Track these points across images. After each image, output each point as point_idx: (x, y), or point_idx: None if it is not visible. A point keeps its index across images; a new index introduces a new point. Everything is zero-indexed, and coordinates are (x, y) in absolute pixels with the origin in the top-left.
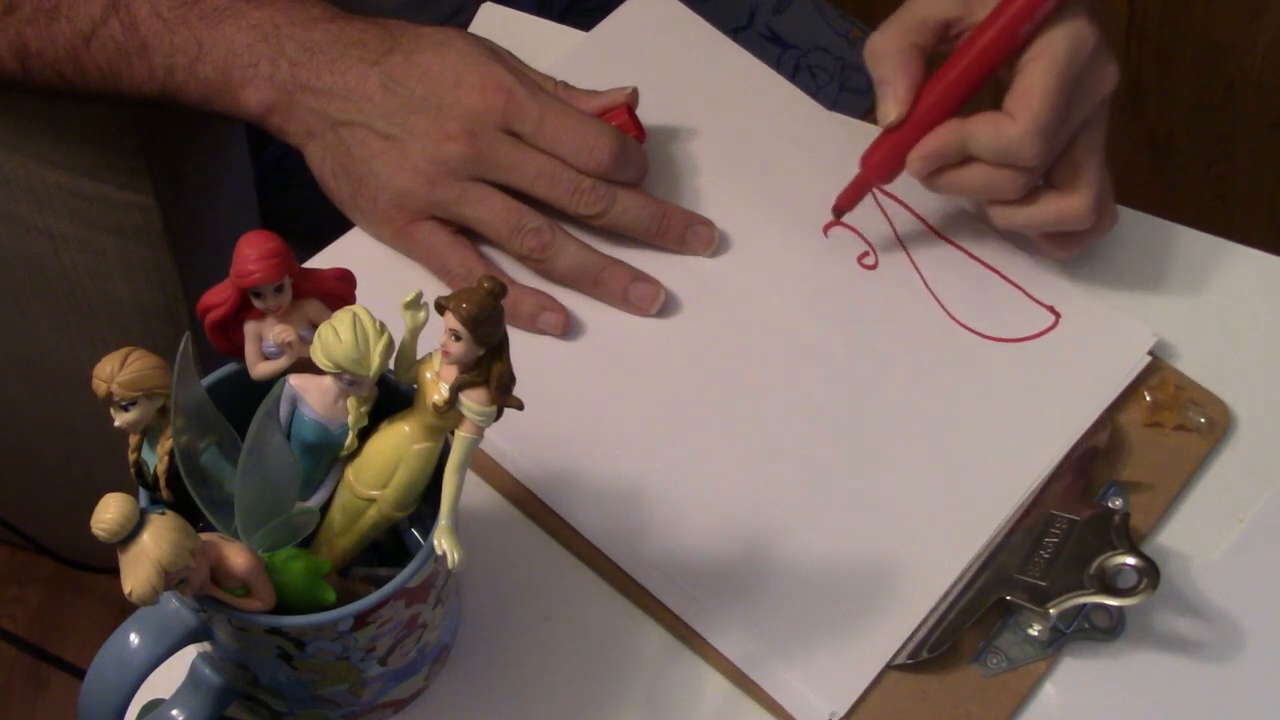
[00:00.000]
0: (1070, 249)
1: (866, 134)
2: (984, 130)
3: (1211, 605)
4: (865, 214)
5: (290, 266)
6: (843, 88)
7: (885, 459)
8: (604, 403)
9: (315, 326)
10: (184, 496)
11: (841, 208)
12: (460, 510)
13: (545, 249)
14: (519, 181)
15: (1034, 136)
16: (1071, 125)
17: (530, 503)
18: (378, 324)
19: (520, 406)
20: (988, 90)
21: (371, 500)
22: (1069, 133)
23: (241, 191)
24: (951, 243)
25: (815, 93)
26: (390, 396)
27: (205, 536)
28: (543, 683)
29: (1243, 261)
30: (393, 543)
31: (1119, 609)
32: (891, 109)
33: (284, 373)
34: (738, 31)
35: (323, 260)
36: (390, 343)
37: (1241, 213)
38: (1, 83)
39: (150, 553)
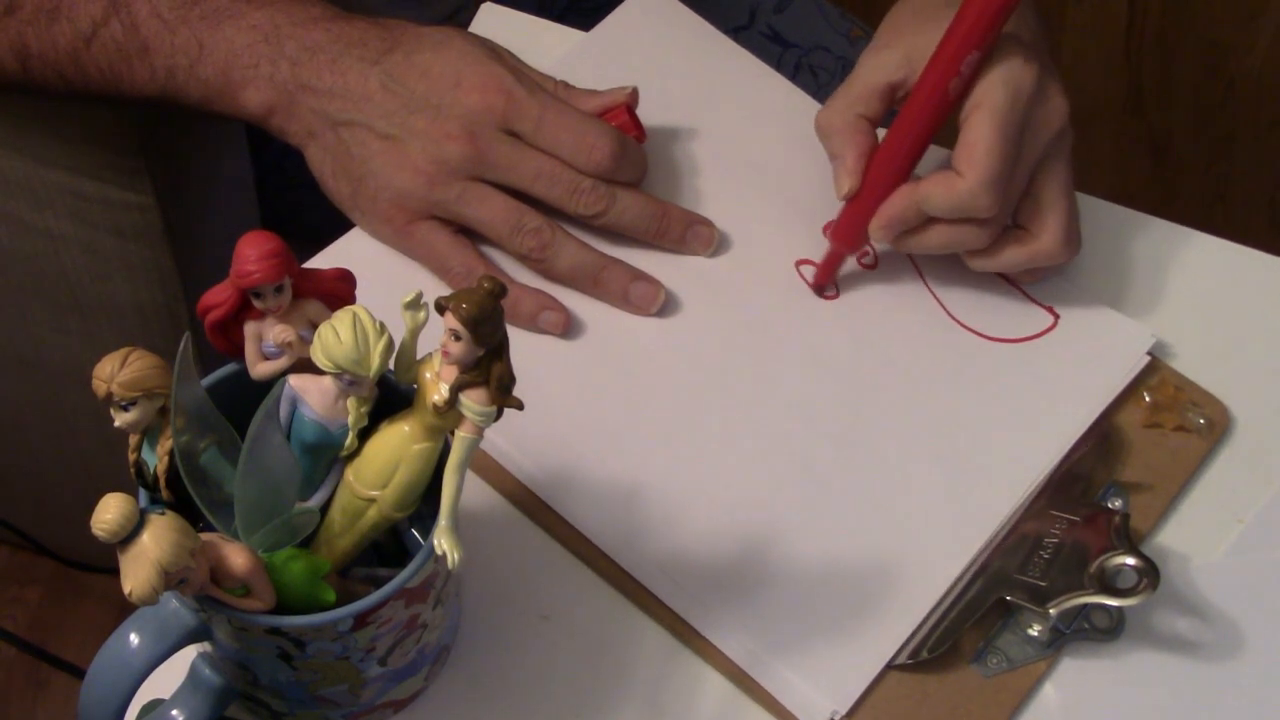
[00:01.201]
0: (1038, 276)
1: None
2: (936, 191)
3: (1211, 605)
4: None
5: (290, 267)
6: None
7: (885, 459)
8: (604, 403)
9: (315, 327)
10: (184, 496)
11: (820, 284)
12: (460, 510)
13: (545, 249)
14: (519, 181)
15: (984, 190)
16: (1027, 166)
17: (530, 503)
18: (378, 324)
19: (520, 406)
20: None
21: (371, 500)
22: (1025, 173)
23: (241, 191)
24: None
25: (816, 92)
26: (390, 396)
27: (205, 536)
28: (543, 683)
29: (1243, 261)
30: (393, 543)
31: (1119, 609)
32: (844, 181)
33: (284, 373)
34: (739, 31)
35: (323, 260)
36: (390, 343)
37: (1241, 213)
38: (2, 83)
39: (150, 553)
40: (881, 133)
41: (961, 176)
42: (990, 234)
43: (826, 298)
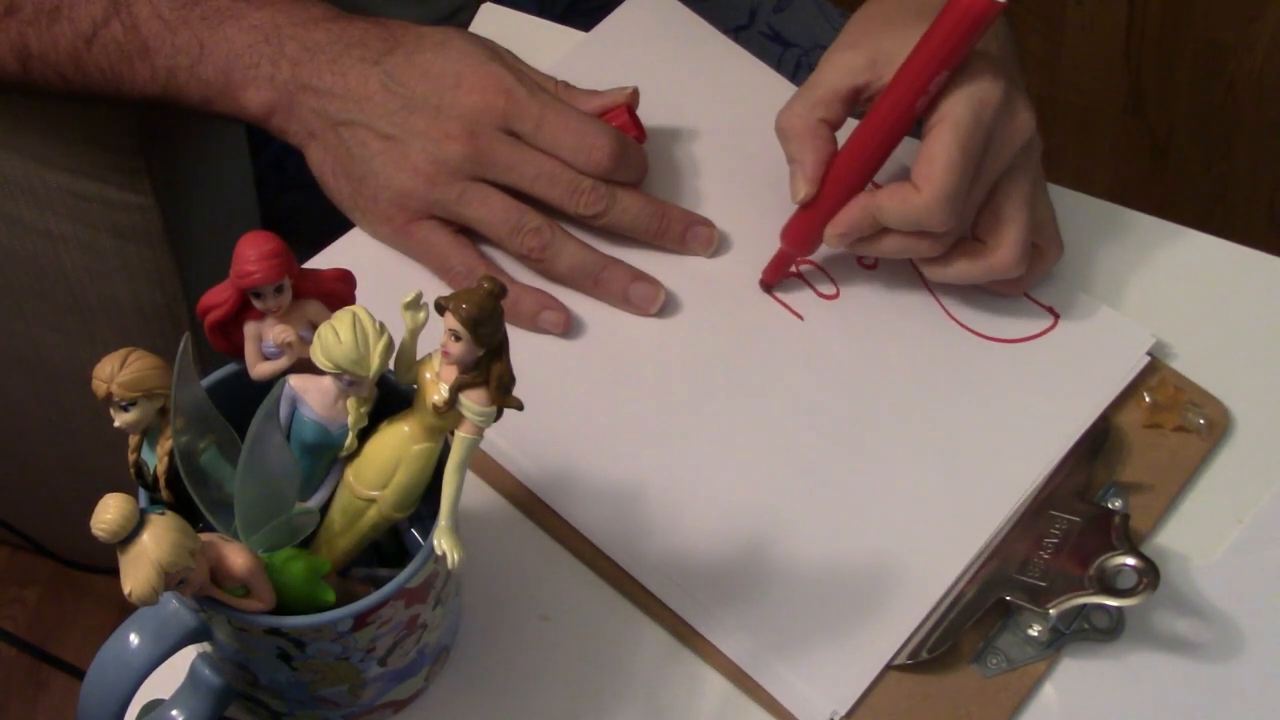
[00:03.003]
0: (1014, 290)
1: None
2: (891, 203)
3: (1211, 606)
4: None
5: (290, 267)
6: None
7: (885, 459)
8: (604, 403)
9: (315, 327)
10: (184, 496)
11: (768, 282)
12: (460, 510)
13: (545, 248)
14: (519, 181)
15: (939, 207)
16: (987, 181)
17: (530, 503)
18: (378, 324)
19: (520, 407)
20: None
21: (371, 501)
22: (984, 188)
23: (241, 192)
24: None
25: None
26: (390, 397)
27: (205, 537)
28: (543, 683)
29: (1242, 262)
30: (393, 543)
31: (1118, 609)
32: (801, 187)
33: (284, 373)
34: (739, 30)
35: (323, 260)
36: (390, 343)
37: (1241, 213)
38: (2, 84)
39: (150, 553)
40: (841, 137)
41: (918, 191)
42: (943, 245)
43: (825, 297)
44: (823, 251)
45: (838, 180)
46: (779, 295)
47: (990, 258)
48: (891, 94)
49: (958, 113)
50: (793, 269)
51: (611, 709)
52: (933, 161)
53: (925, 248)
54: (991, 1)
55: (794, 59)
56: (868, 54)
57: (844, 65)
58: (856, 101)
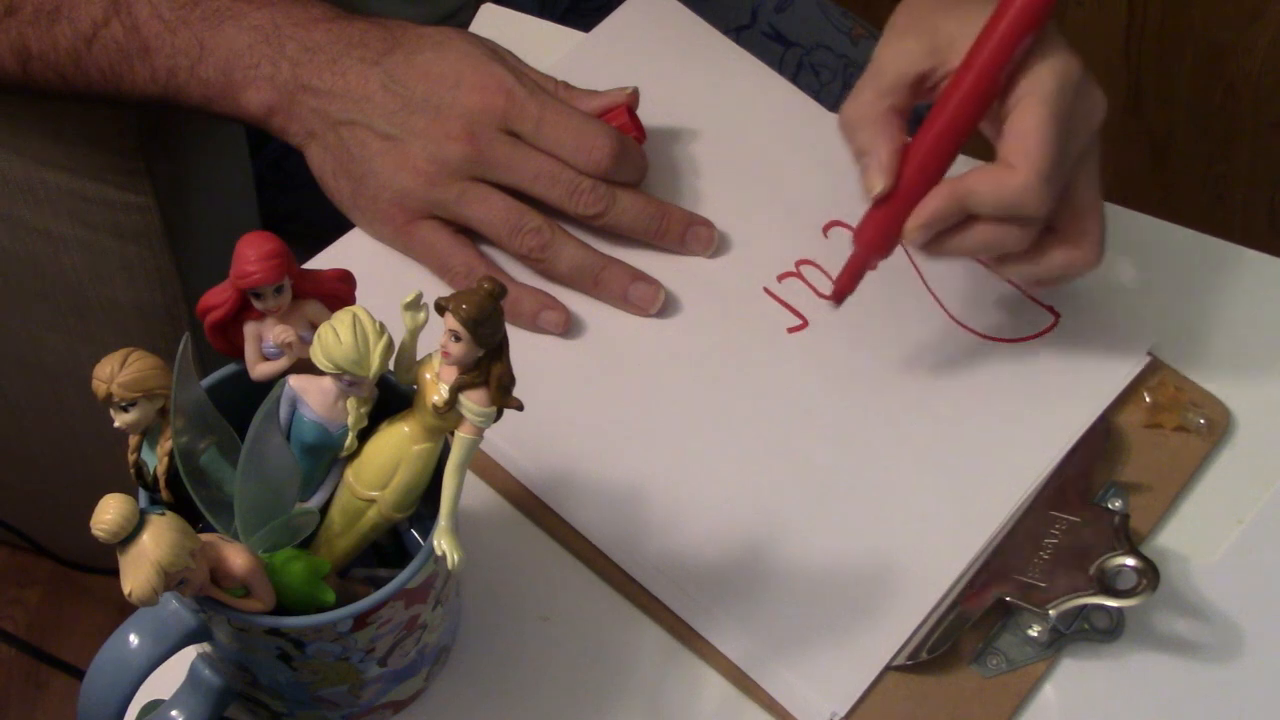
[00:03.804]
0: (1053, 285)
1: None
2: (984, 186)
3: (1211, 606)
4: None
5: (290, 267)
6: (845, 85)
7: (885, 459)
8: (604, 403)
9: (315, 327)
10: (184, 497)
11: (842, 292)
12: (460, 511)
13: (545, 249)
14: (518, 181)
15: (1039, 186)
16: (1071, 162)
17: (530, 503)
18: (377, 325)
19: (520, 407)
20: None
21: (371, 501)
22: (1069, 170)
23: (241, 192)
24: None
25: (818, 91)
26: (390, 397)
27: (205, 537)
28: (542, 683)
29: (1242, 262)
30: (392, 543)
31: (1118, 610)
32: (877, 179)
33: (284, 374)
34: (740, 30)
35: (323, 261)
36: (390, 343)
37: (1241, 213)
38: (2, 84)
39: (150, 553)
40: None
41: (1014, 170)
42: (1032, 235)
43: (825, 297)
44: (823, 252)
45: (916, 169)
46: (779, 295)
47: (1073, 252)
48: (975, 63)
49: (1045, 85)
50: (807, 276)
51: (611, 709)
52: (1026, 136)
53: (1016, 238)
54: None
55: (795, 59)
56: (927, 40)
57: (906, 52)
58: (920, 92)
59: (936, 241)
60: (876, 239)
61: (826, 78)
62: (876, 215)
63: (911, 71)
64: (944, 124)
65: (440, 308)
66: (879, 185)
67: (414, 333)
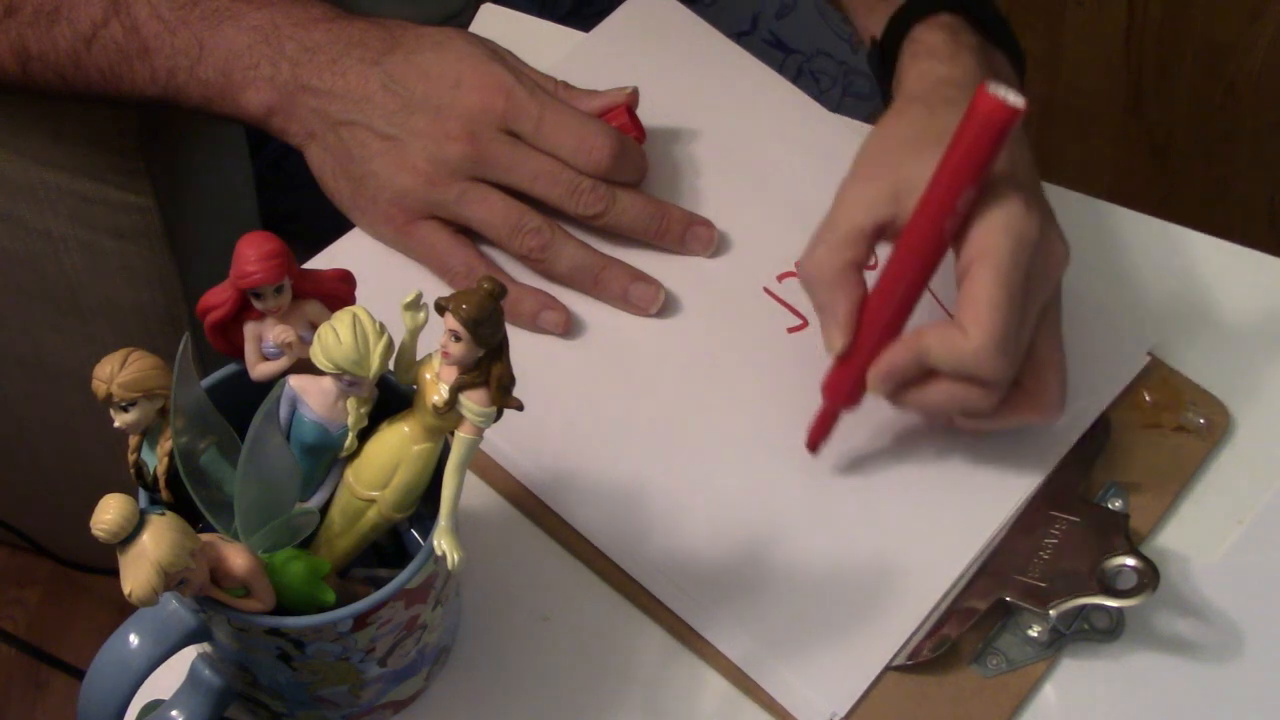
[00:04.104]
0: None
1: (864, 134)
2: (938, 345)
3: (1211, 606)
4: None
5: (290, 267)
6: (845, 92)
7: (884, 459)
8: (604, 403)
9: (315, 327)
10: (184, 497)
11: (816, 442)
12: (460, 511)
13: (545, 249)
14: (518, 181)
15: (992, 353)
16: (1032, 320)
17: (530, 503)
18: (377, 325)
19: (520, 407)
20: None
21: (371, 501)
22: (1031, 328)
23: (241, 192)
24: None
25: (818, 97)
26: (390, 397)
27: (205, 537)
28: (543, 683)
29: (1243, 262)
30: (392, 544)
31: (1118, 610)
32: (836, 338)
33: (284, 374)
34: (741, 36)
35: (323, 261)
36: (390, 344)
37: (1241, 213)
38: (2, 85)
39: (150, 553)
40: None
41: (965, 334)
42: (996, 397)
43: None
44: None
45: (873, 323)
46: (779, 295)
47: (1033, 409)
48: (919, 220)
49: (999, 248)
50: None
51: (611, 709)
52: (977, 304)
53: (977, 398)
54: (1012, 109)
55: (795, 65)
56: (889, 185)
57: (865, 200)
58: (882, 238)
59: (901, 394)
60: (842, 392)
61: (826, 84)
62: (840, 369)
63: (869, 223)
64: (894, 279)
65: (440, 308)
66: (838, 344)
67: (414, 333)
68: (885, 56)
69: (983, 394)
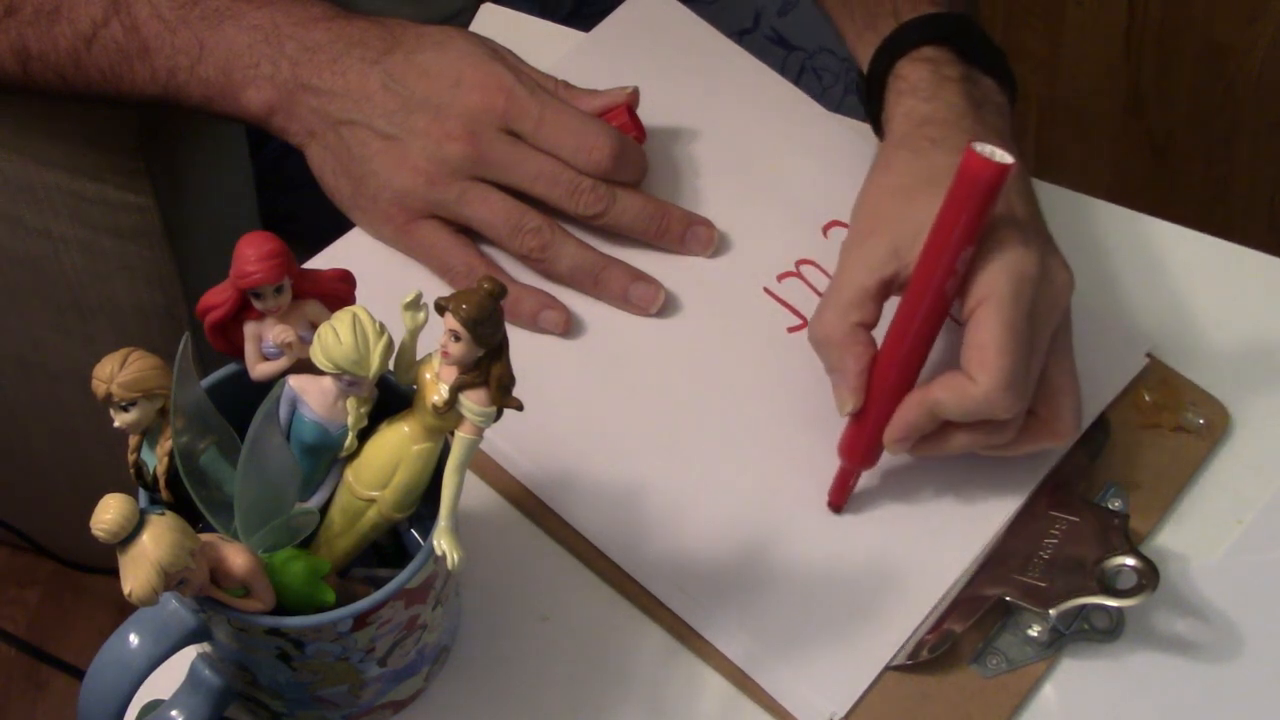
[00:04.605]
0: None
1: (864, 134)
2: (948, 397)
3: (1211, 606)
4: None
5: (290, 267)
6: (848, 90)
7: (884, 459)
8: (604, 403)
9: (315, 327)
10: (184, 497)
11: (836, 503)
12: (460, 511)
13: (545, 249)
14: (519, 181)
15: (1002, 394)
16: (1041, 353)
17: (530, 503)
18: (377, 325)
19: (520, 407)
20: None
21: (371, 501)
22: (1041, 360)
23: (241, 192)
24: None
25: (821, 95)
26: (390, 397)
27: (205, 537)
28: (542, 683)
29: (1242, 262)
30: (392, 543)
31: (1118, 610)
32: (847, 399)
33: (284, 373)
34: (743, 34)
35: (323, 261)
36: (390, 343)
37: (1241, 213)
38: (2, 85)
39: (150, 553)
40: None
41: (973, 381)
42: (1012, 430)
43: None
44: (823, 252)
45: (883, 383)
46: (779, 295)
47: (1049, 434)
48: (919, 282)
49: (1000, 291)
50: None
51: (611, 709)
52: (983, 348)
53: (996, 437)
54: (1000, 166)
55: (798, 62)
56: (888, 241)
57: (866, 260)
58: (887, 296)
59: (920, 447)
60: (858, 452)
61: (829, 81)
62: (854, 430)
63: (872, 282)
64: (900, 339)
65: (440, 308)
66: (849, 405)
67: (414, 333)
68: (871, 92)
69: (1000, 432)
